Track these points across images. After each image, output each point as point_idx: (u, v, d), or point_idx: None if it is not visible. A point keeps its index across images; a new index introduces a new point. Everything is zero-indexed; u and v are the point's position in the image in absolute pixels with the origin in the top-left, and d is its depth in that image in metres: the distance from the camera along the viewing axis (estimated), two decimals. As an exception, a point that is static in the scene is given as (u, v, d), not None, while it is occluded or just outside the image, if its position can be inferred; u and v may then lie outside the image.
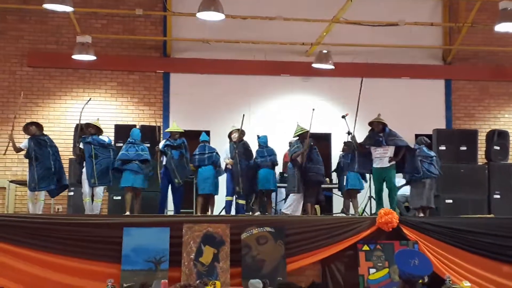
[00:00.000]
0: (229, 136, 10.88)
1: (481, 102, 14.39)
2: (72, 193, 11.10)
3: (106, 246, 8.45)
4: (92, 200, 9.97)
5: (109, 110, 13.37)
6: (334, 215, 11.18)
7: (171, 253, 8.32)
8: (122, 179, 10.12)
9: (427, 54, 14.42)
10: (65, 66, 13.35)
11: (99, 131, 10.33)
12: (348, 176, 11.07)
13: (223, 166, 11.04)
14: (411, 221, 9.21)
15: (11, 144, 10.26)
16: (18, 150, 10.33)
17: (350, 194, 11.22)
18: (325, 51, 12.73)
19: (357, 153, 10.34)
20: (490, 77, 14.37)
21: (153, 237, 8.39)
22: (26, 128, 10.31)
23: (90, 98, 11.86)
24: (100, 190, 10.04)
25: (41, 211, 10.03)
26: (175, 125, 11.02)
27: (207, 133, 11.98)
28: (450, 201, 10.91)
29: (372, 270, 8.69)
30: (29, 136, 10.25)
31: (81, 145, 10.12)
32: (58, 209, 12.33)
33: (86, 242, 8.42)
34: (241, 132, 10.77)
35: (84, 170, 9.99)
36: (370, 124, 10.40)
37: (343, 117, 11.65)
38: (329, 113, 13.47)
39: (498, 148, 11.80)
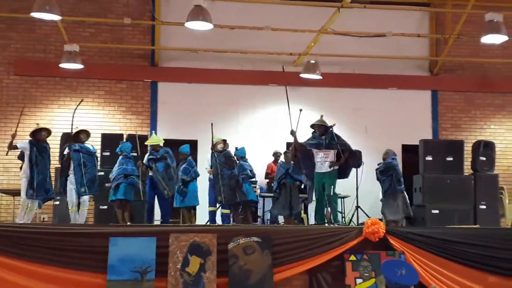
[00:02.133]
0: (214, 147, 10.82)
1: (467, 113, 14.50)
2: (57, 203, 11.04)
3: (92, 256, 8.38)
4: (78, 208, 9.89)
5: (96, 118, 13.35)
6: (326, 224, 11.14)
7: (158, 263, 8.26)
8: (117, 192, 10.12)
9: (414, 65, 14.53)
10: (53, 75, 13.32)
11: (87, 138, 10.23)
12: None
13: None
14: (397, 231, 9.21)
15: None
16: (13, 148, 10.00)
17: None
18: (313, 61, 12.78)
19: (301, 156, 10.19)
20: (476, 88, 14.50)
21: (139, 247, 8.33)
22: (37, 132, 9.91)
23: (83, 99, 11.73)
24: (87, 198, 10.00)
25: (30, 220, 9.87)
26: (154, 137, 10.96)
27: (195, 142, 12.00)
28: (437, 211, 10.95)
29: (358, 280, 8.67)
30: (28, 139, 9.92)
31: (65, 152, 9.98)
32: (43, 218, 12.25)
33: (72, 252, 8.35)
34: (225, 142, 10.83)
35: (69, 178, 9.86)
36: (312, 126, 10.27)
37: (330, 127, 11.68)
38: (317, 123, 13.49)
39: (484, 158, 11.87)
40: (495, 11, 10.98)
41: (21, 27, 13.44)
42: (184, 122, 13.59)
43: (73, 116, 10.25)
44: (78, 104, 10.91)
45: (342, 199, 12.19)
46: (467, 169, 12.20)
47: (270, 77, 13.96)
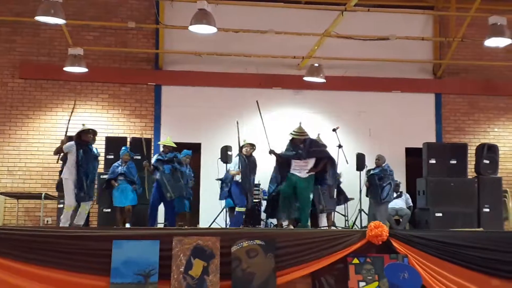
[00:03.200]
0: (241, 149, 10.78)
1: (471, 116, 14.50)
2: (62, 205, 11.05)
3: (96, 259, 8.38)
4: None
5: (100, 122, 13.38)
6: (326, 228, 11.15)
7: (161, 266, 8.26)
8: (124, 198, 10.19)
9: (418, 68, 14.53)
10: (57, 78, 13.38)
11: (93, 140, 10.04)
12: None
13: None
14: (401, 234, 9.19)
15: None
16: (61, 152, 9.82)
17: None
18: (316, 65, 12.80)
19: (278, 165, 10.06)
20: (479, 91, 14.49)
21: (142, 250, 8.33)
22: (83, 133, 9.73)
23: (76, 101, 11.82)
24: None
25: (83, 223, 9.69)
26: (169, 139, 10.99)
27: (198, 145, 12.00)
28: (440, 214, 10.94)
29: (362, 284, 8.65)
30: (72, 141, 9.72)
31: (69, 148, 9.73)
32: (47, 221, 12.29)
33: (75, 255, 8.35)
34: (252, 146, 10.80)
35: (69, 178, 9.62)
36: (291, 134, 10.01)
37: (334, 130, 11.72)
38: (320, 127, 13.49)
39: (487, 161, 11.86)
40: (499, 14, 11.00)
41: (26, 31, 13.51)
42: (187, 125, 13.62)
43: (69, 120, 10.17)
44: (73, 109, 10.83)
45: (346, 203, 12.19)
46: (471, 172, 12.19)
47: (274, 81, 13.99)
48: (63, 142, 9.74)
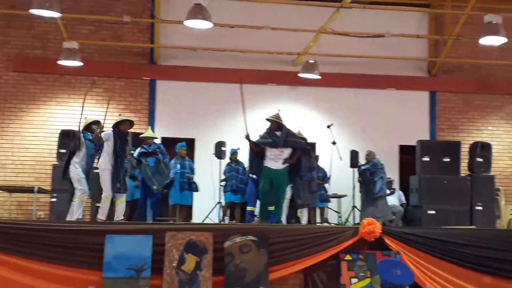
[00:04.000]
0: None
1: (465, 114, 14.53)
2: (54, 199, 11.04)
3: (88, 253, 8.37)
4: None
5: (94, 116, 13.22)
6: (317, 224, 11.18)
7: (153, 261, 8.26)
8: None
9: (413, 66, 14.55)
10: (51, 72, 13.33)
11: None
12: None
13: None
14: (393, 231, 9.22)
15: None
16: (99, 139, 9.48)
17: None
18: (312, 61, 12.80)
19: (251, 155, 9.88)
20: (474, 90, 14.52)
21: (135, 245, 8.32)
22: (121, 123, 9.51)
23: (95, 81, 11.57)
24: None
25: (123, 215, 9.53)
26: (150, 131, 10.96)
27: (192, 141, 11.97)
28: (433, 212, 10.98)
29: (354, 280, 8.68)
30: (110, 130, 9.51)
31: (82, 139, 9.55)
32: (40, 215, 12.26)
33: (68, 249, 8.34)
34: None
35: (76, 166, 9.37)
36: (267, 120, 9.82)
37: (328, 127, 11.74)
38: (315, 123, 13.54)
39: (481, 160, 11.90)
40: (494, 13, 11.02)
41: (20, 24, 13.45)
42: (182, 121, 13.61)
43: (82, 107, 9.98)
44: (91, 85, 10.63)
45: (339, 199, 12.23)
46: (464, 170, 12.23)
47: (269, 76, 13.99)
48: (101, 130, 9.41)
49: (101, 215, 9.33)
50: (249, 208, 11.02)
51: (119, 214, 9.42)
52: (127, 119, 9.66)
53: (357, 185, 11.65)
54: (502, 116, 14.64)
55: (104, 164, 9.30)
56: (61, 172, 9.81)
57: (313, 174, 10.86)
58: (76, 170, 9.36)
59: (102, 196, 9.36)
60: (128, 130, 9.61)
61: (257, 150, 9.73)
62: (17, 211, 12.73)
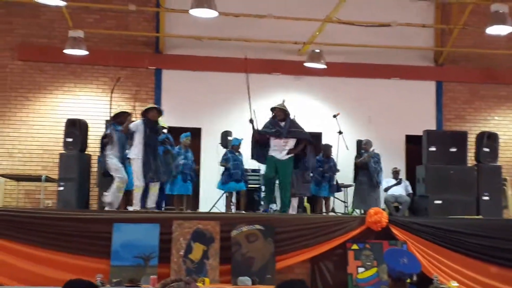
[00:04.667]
0: None
1: (471, 104, 14.48)
2: (62, 188, 11.06)
3: (96, 241, 8.43)
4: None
5: (100, 105, 13.33)
6: (324, 214, 11.19)
7: (161, 249, 8.31)
8: (130, 181, 10.14)
9: (419, 56, 14.48)
10: (57, 61, 13.29)
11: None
12: None
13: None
14: (400, 221, 9.24)
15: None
16: (128, 130, 9.40)
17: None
18: (317, 51, 12.76)
19: (254, 141, 9.86)
20: (480, 80, 14.46)
21: (142, 233, 8.37)
22: (149, 111, 9.46)
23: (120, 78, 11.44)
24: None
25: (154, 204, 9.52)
26: (160, 120, 10.94)
27: (198, 130, 11.94)
28: (439, 202, 10.93)
29: (360, 269, 8.72)
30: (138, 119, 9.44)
31: (108, 131, 9.57)
32: (47, 203, 12.29)
33: (76, 237, 8.40)
34: None
35: (111, 158, 9.36)
36: (272, 110, 9.88)
37: (334, 116, 11.72)
38: (321, 113, 13.52)
39: (487, 150, 11.85)
40: (501, 2, 10.93)
41: (26, 12, 13.40)
42: (187, 110, 13.58)
43: (111, 96, 9.91)
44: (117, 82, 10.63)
45: (345, 189, 12.24)
46: (471, 160, 12.19)
47: (274, 66, 13.94)
48: (129, 122, 9.33)
49: (135, 206, 9.31)
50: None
51: (152, 203, 9.40)
52: (155, 106, 9.59)
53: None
54: (508, 106, 14.58)
55: (134, 153, 9.28)
56: (68, 160, 9.87)
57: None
58: (111, 161, 9.37)
59: (134, 185, 9.32)
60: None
61: (259, 138, 9.69)
62: (25, 199, 12.75)
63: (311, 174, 10.72)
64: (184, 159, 10.85)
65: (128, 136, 9.42)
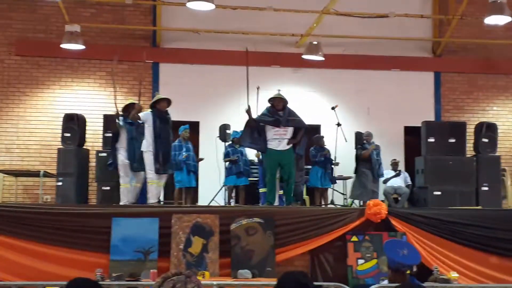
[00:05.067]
0: None
1: (470, 95, 14.46)
2: (60, 183, 11.05)
3: (95, 236, 8.43)
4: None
5: (97, 100, 13.31)
6: (322, 206, 11.19)
7: (160, 243, 8.30)
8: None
9: (417, 46, 14.44)
10: (54, 55, 13.26)
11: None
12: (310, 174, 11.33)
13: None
14: (399, 212, 9.24)
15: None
16: (136, 119, 9.32)
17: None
18: (315, 43, 12.72)
19: (245, 128, 9.74)
20: (479, 70, 14.42)
21: (142, 228, 8.36)
22: (158, 102, 9.37)
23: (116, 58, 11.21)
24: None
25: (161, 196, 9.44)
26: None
27: (197, 124, 11.89)
28: (439, 193, 10.94)
29: (360, 261, 8.72)
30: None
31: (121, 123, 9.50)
32: (46, 199, 12.28)
33: (75, 232, 8.39)
34: None
35: (120, 152, 9.32)
36: (270, 100, 9.77)
37: (333, 108, 11.70)
38: (319, 105, 13.49)
39: (486, 140, 11.84)
40: (499, -9, 10.89)
41: (22, 7, 13.36)
42: (185, 104, 13.50)
43: (114, 91, 9.80)
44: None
45: (344, 181, 12.23)
46: (469, 151, 12.19)
47: (272, 59, 13.89)
48: (139, 110, 9.20)
49: (151, 198, 9.24)
50: (262, 190, 10.97)
51: (158, 195, 9.39)
52: (164, 97, 9.49)
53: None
54: (507, 96, 14.55)
55: (146, 146, 9.20)
56: (67, 155, 9.84)
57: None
58: (119, 156, 9.36)
59: (148, 179, 9.25)
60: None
61: (255, 126, 9.62)
62: (24, 195, 12.74)
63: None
64: (187, 150, 10.79)
65: (137, 126, 9.33)
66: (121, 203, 9.33)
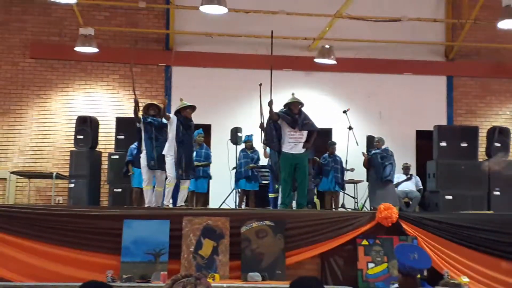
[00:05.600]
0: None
1: (482, 99, 14.39)
2: (73, 185, 11.14)
3: (106, 238, 8.46)
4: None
5: (110, 102, 13.41)
6: (333, 209, 11.18)
7: (171, 245, 8.32)
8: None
9: (430, 50, 14.41)
10: (68, 58, 13.38)
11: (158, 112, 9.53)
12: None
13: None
14: (410, 216, 9.20)
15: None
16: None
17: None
18: (327, 46, 12.73)
19: (268, 125, 9.75)
20: (492, 74, 14.36)
21: (153, 230, 8.39)
22: (183, 109, 9.41)
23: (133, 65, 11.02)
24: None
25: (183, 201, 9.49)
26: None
27: (208, 127, 11.92)
28: (450, 197, 10.92)
29: (370, 265, 8.69)
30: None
31: (137, 125, 9.53)
32: (58, 200, 12.38)
33: (86, 234, 8.44)
34: None
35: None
36: (288, 105, 9.77)
37: (345, 112, 11.69)
38: (331, 108, 13.50)
39: (498, 145, 11.80)
40: (512, -5, 10.85)
41: (37, 10, 13.50)
42: (198, 106, 13.39)
43: (134, 92, 9.87)
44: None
45: (355, 184, 12.21)
46: (482, 155, 12.14)
47: (284, 62, 13.90)
48: (164, 104, 9.31)
49: (166, 201, 9.29)
50: (271, 195, 10.98)
51: (180, 201, 9.40)
52: (190, 105, 9.54)
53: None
54: (520, 100, 14.49)
55: (167, 150, 9.25)
56: (79, 157, 9.92)
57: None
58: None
59: (166, 181, 9.30)
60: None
61: (277, 119, 9.64)
62: (36, 196, 12.85)
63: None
64: (197, 156, 10.80)
65: (156, 126, 9.35)
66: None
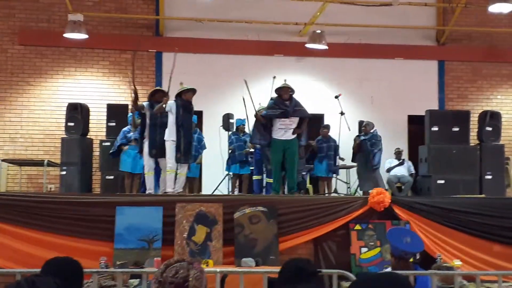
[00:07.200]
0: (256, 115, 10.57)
1: (474, 83, 14.42)
2: (64, 172, 11.08)
3: (99, 224, 8.45)
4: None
5: (101, 89, 13.33)
6: (326, 195, 11.20)
7: (164, 232, 8.32)
8: (135, 164, 10.17)
9: (421, 35, 14.40)
10: (57, 45, 13.26)
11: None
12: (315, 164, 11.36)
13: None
14: (403, 201, 9.24)
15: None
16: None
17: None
18: (318, 31, 12.69)
19: (257, 124, 9.78)
20: (483, 58, 14.38)
21: (146, 216, 8.38)
22: (183, 92, 9.32)
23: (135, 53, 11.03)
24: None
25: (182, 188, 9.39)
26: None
27: (200, 113, 11.88)
28: (442, 181, 10.94)
29: (363, 249, 8.72)
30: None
31: (143, 111, 9.44)
32: (50, 188, 12.32)
33: (79, 221, 8.41)
34: None
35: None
36: (278, 90, 9.76)
37: (336, 97, 11.67)
38: (322, 94, 13.48)
39: (490, 129, 11.83)
40: (504, -21, 10.84)
41: (25, -3, 13.36)
42: (189, 93, 13.51)
43: (133, 80, 9.83)
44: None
45: (348, 170, 12.23)
46: (473, 140, 12.17)
47: (275, 47, 13.87)
48: (164, 101, 9.11)
49: (168, 187, 9.20)
50: (255, 177, 11.00)
51: (179, 187, 9.32)
52: (190, 88, 9.45)
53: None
54: (511, 84, 14.51)
55: (168, 135, 9.16)
56: (70, 145, 9.87)
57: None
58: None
59: (167, 167, 9.21)
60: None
61: (265, 122, 9.69)
62: (28, 184, 12.78)
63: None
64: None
65: (160, 116, 9.29)
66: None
